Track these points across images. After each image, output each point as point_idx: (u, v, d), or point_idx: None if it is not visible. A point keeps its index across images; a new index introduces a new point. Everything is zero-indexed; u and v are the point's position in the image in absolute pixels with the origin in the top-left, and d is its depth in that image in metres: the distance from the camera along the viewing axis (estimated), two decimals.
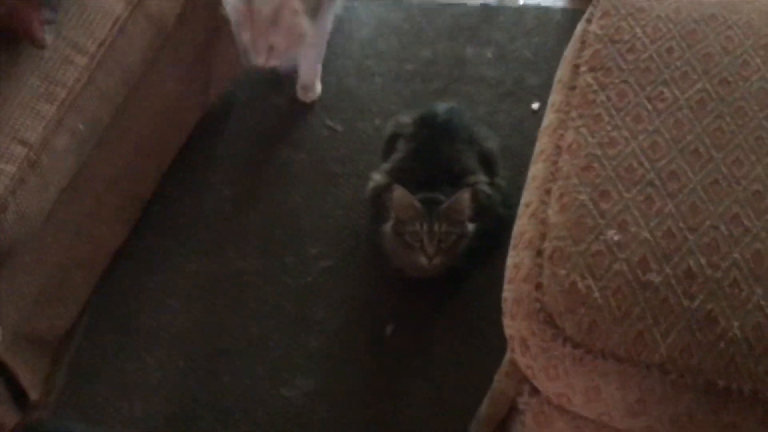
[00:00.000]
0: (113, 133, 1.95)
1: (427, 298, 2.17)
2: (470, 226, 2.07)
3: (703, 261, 1.33)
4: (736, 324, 1.30)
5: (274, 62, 2.09)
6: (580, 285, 1.30)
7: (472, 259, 2.13)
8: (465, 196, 2.02)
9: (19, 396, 1.92)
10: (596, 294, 1.30)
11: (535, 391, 1.45)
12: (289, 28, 2.05)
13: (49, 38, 1.78)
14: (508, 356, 1.50)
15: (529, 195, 1.48)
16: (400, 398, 2.01)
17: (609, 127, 1.46)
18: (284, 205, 2.33)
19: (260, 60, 2.07)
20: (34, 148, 1.74)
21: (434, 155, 2.14)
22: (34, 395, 1.94)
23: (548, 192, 1.44)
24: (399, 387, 2.04)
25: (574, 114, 1.49)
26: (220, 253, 2.23)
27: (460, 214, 2.04)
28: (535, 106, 2.40)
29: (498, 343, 1.54)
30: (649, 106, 1.48)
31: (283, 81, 2.47)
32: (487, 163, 2.20)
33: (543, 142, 1.53)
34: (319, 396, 2.03)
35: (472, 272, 2.17)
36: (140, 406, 2.03)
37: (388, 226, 2.08)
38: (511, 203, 1.96)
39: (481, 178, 2.16)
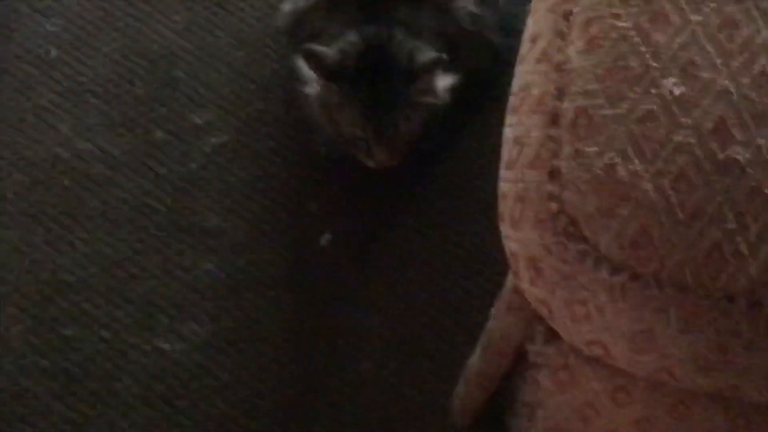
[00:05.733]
0: None
1: (381, 189, 1.78)
2: (445, 84, 1.69)
3: None
4: None
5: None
6: (621, 170, 1.10)
7: (452, 126, 1.78)
8: (432, 77, 1.65)
9: None
10: (647, 184, 1.10)
11: (553, 336, 1.28)
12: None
13: None
14: (509, 283, 1.34)
15: (535, 23, 1.22)
16: (347, 354, 1.65)
17: None
18: (147, 43, 1.88)
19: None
20: None
21: None
22: None
23: (567, 16, 1.19)
24: (343, 329, 1.68)
25: None
26: (48, 130, 1.81)
27: (429, 95, 1.67)
28: None
29: (493, 263, 1.30)
30: None
31: None
32: None
33: None
34: (215, 350, 1.64)
35: (451, 146, 1.81)
36: None
37: (311, 91, 1.69)
38: (513, 27, 1.63)
39: None
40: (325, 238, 1.73)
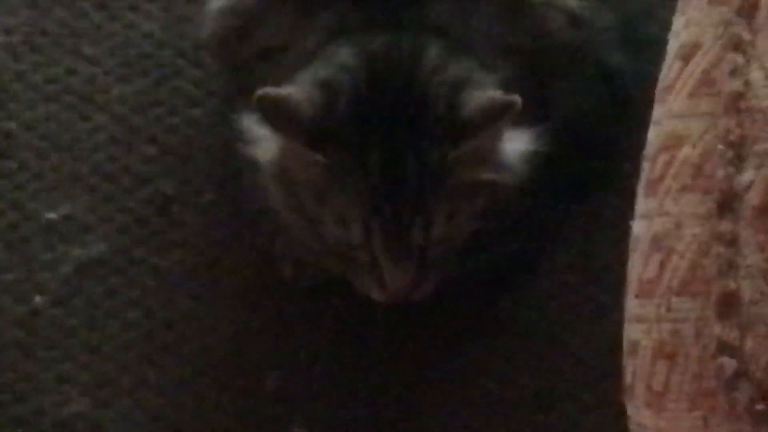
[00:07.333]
0: None
1: (391, 347, 1.11)
2: (519, 149, 0.99)
3: None
4: None
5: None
6: None
7: (531, 227, 1.08)
8: (494, 135, 0.96)
9: None
10: None
11: None
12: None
13: None
14: None
15: (690, 25, 0.81)
16: None
17: None
18: None
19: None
20: None
21: None
22: None
23: (750, 9, 0.78)
24: None
25: None
26: None
27: (488, 169, 0.97)
28: None
29: None
30: None
31: None
32: None
33: None
34: None
35: (529, 263, 1.13)
36: None
37: (264, 158, 0.99)
38: (645, 37, 1.04)
39: None
40: (271, 380, 1.13)
